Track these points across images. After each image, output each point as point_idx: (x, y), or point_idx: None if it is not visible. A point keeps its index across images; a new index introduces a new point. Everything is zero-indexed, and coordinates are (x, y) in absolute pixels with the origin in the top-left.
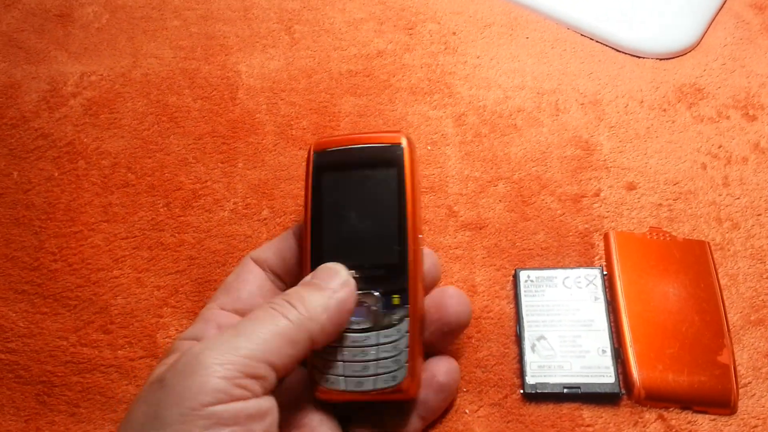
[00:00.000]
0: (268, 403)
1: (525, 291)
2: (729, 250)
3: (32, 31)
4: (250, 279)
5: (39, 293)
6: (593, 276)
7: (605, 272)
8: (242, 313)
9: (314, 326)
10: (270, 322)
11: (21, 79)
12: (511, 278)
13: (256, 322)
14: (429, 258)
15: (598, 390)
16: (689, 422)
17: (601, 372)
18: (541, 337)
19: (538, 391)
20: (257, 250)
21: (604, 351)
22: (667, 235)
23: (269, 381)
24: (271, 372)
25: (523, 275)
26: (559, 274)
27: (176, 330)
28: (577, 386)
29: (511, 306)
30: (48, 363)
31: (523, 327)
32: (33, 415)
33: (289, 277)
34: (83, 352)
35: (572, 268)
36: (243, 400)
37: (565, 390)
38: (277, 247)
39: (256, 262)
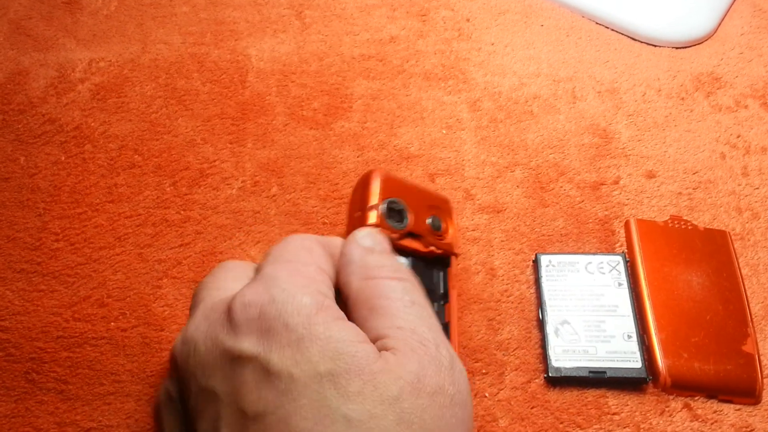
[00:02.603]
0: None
1: (546, 275)
2: (749, 240)
3: (40, 19)
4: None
5: (38, 271)
6: (616, 262)
7: (627, 259)
8: None
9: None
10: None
11: (29, 66)
12: (531, 263)
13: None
14: None
15: (625, 375)
16: (715, 411)
17: (627, 357)
18: (564, 322)
19: (563, 374)
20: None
21: (629, 336)
22: (689, 223)
23: None
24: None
25: (545, 260)
26: (581, 259)
27: (175, 299)
28: (603, 371)
29: (531, 291)
30: (39, 339)
31: (546, 311)
32: (22, 394)
33: None
34: (76, 326)
35: (594, 254)
36: None
37: (591, 374)
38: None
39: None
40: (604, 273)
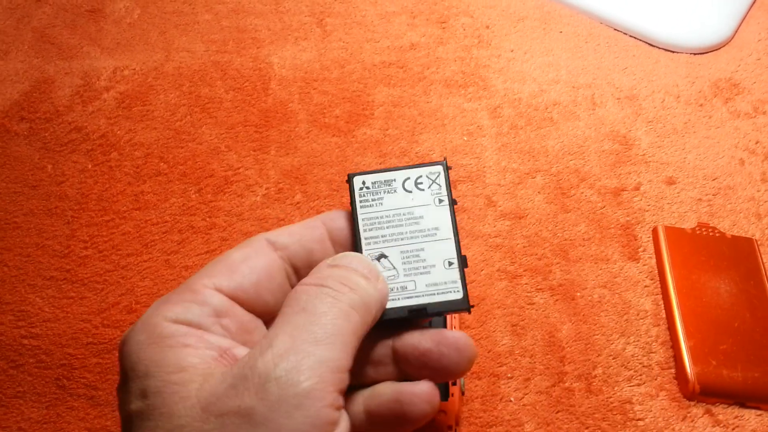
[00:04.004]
0: (346, 418)
1: (361, 201)
2: None
3: (64, 27)
4: (260, 265)
5: (67, 279)
6: (436, 174)
7: (449, 167)
8: (241, 301)
9: (369, 320)
10: (341, 318)
11: (54, 75)
12: (551, 267)
13: (326, 320)
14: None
15: (446, 308)
16: (736, 417)
17: (448, 288)
18: (381, 256)
19: (382, 318)
20: (274, 232)
21: (450, 264)
22: (716, 231)
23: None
24: (348, 378)
25: (358, 181)
26: (398, 176)
27: None
28: (423, 307)
29: (555, 298)
30: (69, 346)
31: (361, 247)
32: (53, 400)
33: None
34: (105, 332)
35: (413, 167)
36: (338, 423)
37: (410, 313)
38: (300, 234)
39: (274, 246)
40: (423, 189)
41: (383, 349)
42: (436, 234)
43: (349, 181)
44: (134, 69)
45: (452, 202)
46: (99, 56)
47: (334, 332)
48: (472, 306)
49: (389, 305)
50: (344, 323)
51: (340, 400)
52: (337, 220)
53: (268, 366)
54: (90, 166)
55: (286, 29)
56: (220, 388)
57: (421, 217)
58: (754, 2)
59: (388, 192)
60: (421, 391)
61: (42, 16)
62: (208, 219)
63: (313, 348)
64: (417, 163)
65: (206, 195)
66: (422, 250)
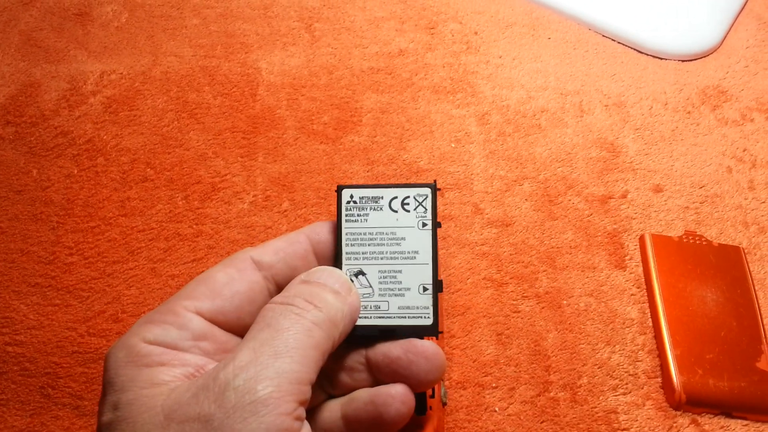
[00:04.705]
0: (307, 428)
1: (347, 215)
2: (756, 255)
3: (51, 30)
4: (243, 289)
5: (52, 286)
6: (423, 196)
7: (438, 188)
8: (221, 324)
9: (336, 335)
10: (303, 333)
11: (41, 78)
12: (537, 274)
13: (288, 335)
14: None
15: (415, 333)
16: (722, 427)
17: (419, 313)
18: (359, 273)
19: (354, 333)
20: (259, 248)
21: (425, 289)
22: (702, 239)
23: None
24: (310, 391)
25: (346, 194)
26: (386, 193)
27: None
28: (393, 329)
29: (541, 305)
30: (54, 354)
31: (342, 261)
32: (38, 409)
33: None
34: (91, 342)
35: (402, 186)
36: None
37: (380, 333)
38: (285, 252)
39: (258, 266)
40: (409, 211)
41: (358, 357)
42: (415, 258)
43: (338, 193)
44: (121, 73)
45: (436, 226)
46: (86, 60)
47: (295, 346)
48: (441, 332)
49: (361, 322)
50: (305, 338)
51: (300, 411)
52: (321, 233)
53: (228, 376)
54: (76, 172)
55: (274, 34)
56: (183, 398)
57: (404, 238)
58: (742, 9)
59: (374, 209)
60: (396, 392)
61: (29, 19)
62: (194, 226)
63: (272, 360)
64: (404, 170)
65: (193, 202)
66: (400, 272)
